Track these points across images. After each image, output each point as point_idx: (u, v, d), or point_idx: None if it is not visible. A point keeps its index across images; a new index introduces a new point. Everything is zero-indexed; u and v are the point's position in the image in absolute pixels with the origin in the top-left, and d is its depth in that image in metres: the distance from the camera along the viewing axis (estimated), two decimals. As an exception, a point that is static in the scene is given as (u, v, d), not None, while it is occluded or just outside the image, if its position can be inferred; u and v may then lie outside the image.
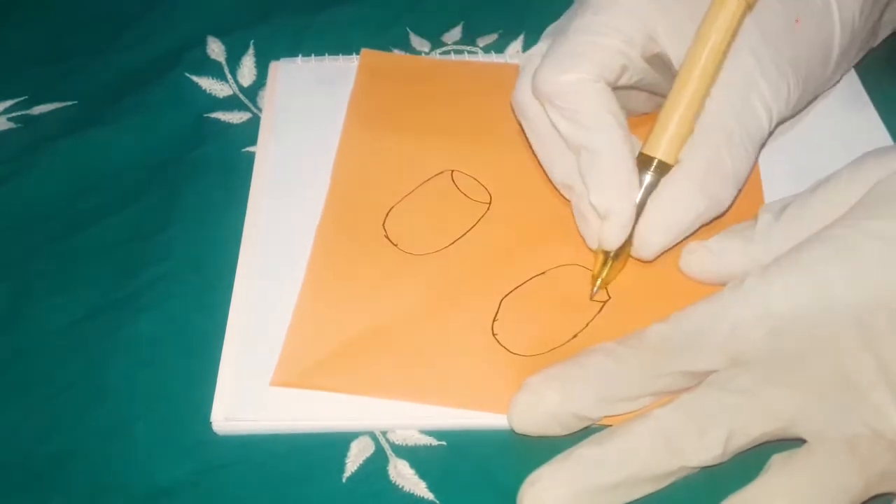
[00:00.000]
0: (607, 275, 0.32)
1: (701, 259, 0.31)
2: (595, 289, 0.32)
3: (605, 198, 0.31)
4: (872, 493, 0.26)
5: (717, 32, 0.31)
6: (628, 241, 0.31)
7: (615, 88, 0.32)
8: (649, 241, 0.31)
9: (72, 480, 0.28)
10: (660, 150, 0.31)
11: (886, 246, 0.27)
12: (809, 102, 0.36)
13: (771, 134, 0.34)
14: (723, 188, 0.31)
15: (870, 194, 0.28)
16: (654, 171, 0.31)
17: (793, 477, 0.26)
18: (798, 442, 0.27)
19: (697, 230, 0.32)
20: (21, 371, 0.31)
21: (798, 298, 0.27)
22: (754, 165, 0.33)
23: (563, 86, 0.31)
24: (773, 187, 0.35)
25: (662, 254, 0.32)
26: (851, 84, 0.39)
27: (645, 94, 0.35)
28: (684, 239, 0.32)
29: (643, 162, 0.31)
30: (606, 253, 0.32)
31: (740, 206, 0.33)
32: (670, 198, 0.31)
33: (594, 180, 0.31)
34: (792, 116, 0.36)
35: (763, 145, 0.33)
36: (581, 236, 0.33)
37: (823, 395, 0.27)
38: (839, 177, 0.30)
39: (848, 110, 0.38)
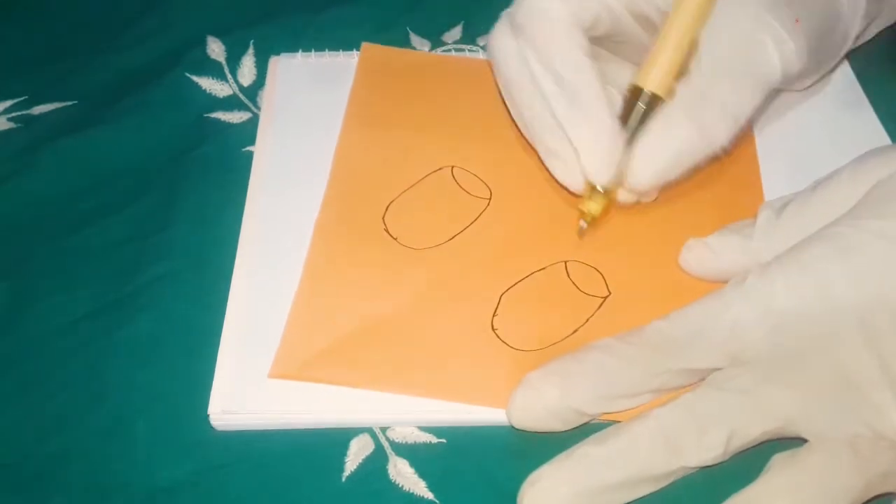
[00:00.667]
0: (595, 209, 0.31)
1: (700, 256, 0.31)
2: (583, 223, 0.32)
3: (585, 129, 0.30)
4: (873, 494, 0.26)
5: None
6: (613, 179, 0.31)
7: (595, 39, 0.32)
8: (640, 173, 0.31)
9: (72, 480, 0.28)
10: (649, 81, 0.31)
11: (888, 245, 0.27)
12: (819, 75, 0.35)
13: (786, 82, 0.32)
14: (717, 120, 0.30)
15: (871, 193, 0.28)
16: (645, 102, 0.31)
17: (794, 477, 0.26)
18: (799, 441, 0.27)
19: (691, 168, 0.31)
20: (21, 371, 0.31)
21: (799, 297, 0.27)
22: (759, 107, 0.31)
23: (538, 13, 0.31)
24: (772, 187, 0.35)
25: (660, 189, 0.31)
26: (849, 84, 0.39)
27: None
28: (678, 178, 0.31)
29: (634, 94, 0.31)
30: (593, 186, 0.31)
31: (740, 203, 0.34)
32: (659, 126, 0.31)
33: (571, 114, 0.30)
34: (800, 84, 0.34)
35: (772, 88, 0.31)
36: (564, 188, 0.32)
37: (824, 395, 0.27)
38: (840, 175, 0.30)
39: (845, 110, 0.38)
